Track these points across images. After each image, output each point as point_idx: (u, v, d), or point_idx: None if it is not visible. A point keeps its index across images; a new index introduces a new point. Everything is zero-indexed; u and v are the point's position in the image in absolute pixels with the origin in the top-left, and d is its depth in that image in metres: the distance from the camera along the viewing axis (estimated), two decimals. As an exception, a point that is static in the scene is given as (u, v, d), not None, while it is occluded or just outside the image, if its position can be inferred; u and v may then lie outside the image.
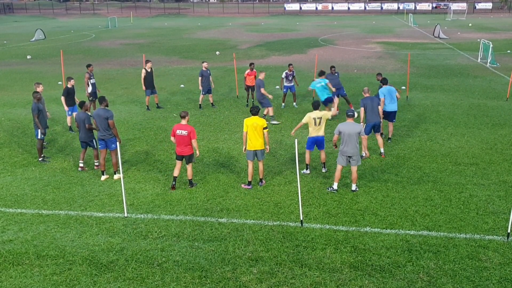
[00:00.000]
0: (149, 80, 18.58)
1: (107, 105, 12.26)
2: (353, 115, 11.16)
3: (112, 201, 11.00)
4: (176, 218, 10.14)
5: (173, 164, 13.16)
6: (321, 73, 17.11)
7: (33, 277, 8.12)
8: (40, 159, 13.53)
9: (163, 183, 11.99)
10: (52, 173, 12.80)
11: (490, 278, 7.92)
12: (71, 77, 15.95)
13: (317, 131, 12.11)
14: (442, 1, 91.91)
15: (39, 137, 13.37)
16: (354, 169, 11.16)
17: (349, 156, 11.03)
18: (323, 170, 12.60)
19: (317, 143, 12.27)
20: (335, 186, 11.30)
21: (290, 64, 19.28)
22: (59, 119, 17.80)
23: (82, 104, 12.61)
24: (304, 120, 12.05)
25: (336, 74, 18.27)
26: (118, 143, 11.16)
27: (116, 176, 12.29)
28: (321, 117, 11.99)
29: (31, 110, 13.31)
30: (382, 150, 13.66)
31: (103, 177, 12.30)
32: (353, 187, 11.32)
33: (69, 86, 15.72)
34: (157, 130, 16.54)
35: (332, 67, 18.45)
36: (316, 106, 12.11)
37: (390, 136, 14.99)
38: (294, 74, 19.24)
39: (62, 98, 15.75)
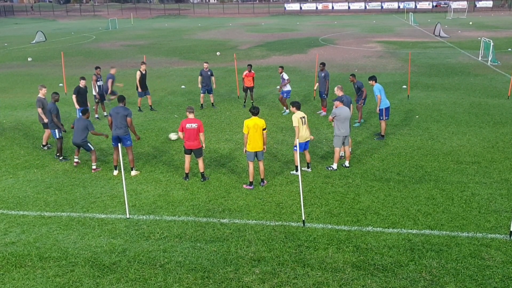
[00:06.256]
0: (143, 81, 18.78)
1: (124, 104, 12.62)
2: (342, 100, 12.73)
3: (114, 203, 11.01)
4: (178, 219, 10.15)
5: (175, 165, 13.19)
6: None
7: (35, 279, 8.12)
8: (61, 158, 13.76)
9: (164, 184, 11.99)
10: (54, 175, 12.81)
11: (493, 276, 7.90)
12: (83, 77, 16.46)
13: (305, 130, 12.15)
14: (443, 0, 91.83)
15: (58, 136, 13.66)
16: (348, 148, 12.73)
17: (344, 137, 12.47)
18: (308, 170, 12.55)
19: (305, 142, 12.34)
20: (335, 166, 12.59)
21: (280, 66, 18.56)
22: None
23: (85, 111, 12.89)
24: (295, 123, 11.98)
25: (323, 72, 17.39)
26: (136, 139, 12.55)
27: (133, 173, 12.61)
28: (305, 117, 12.16)
29: (48, 111, 13.60)
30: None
31: (115, 172, 12.64)
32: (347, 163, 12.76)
33: (81, 86, 16.09)
34: (158, 131, 16.54)
35: (321, 63, 17.74)
36: (298, 106, 12.14)
37: (383, 134, 15.02)
38: (284, 77, 17.82)
39: (74, 97, 16.07)
